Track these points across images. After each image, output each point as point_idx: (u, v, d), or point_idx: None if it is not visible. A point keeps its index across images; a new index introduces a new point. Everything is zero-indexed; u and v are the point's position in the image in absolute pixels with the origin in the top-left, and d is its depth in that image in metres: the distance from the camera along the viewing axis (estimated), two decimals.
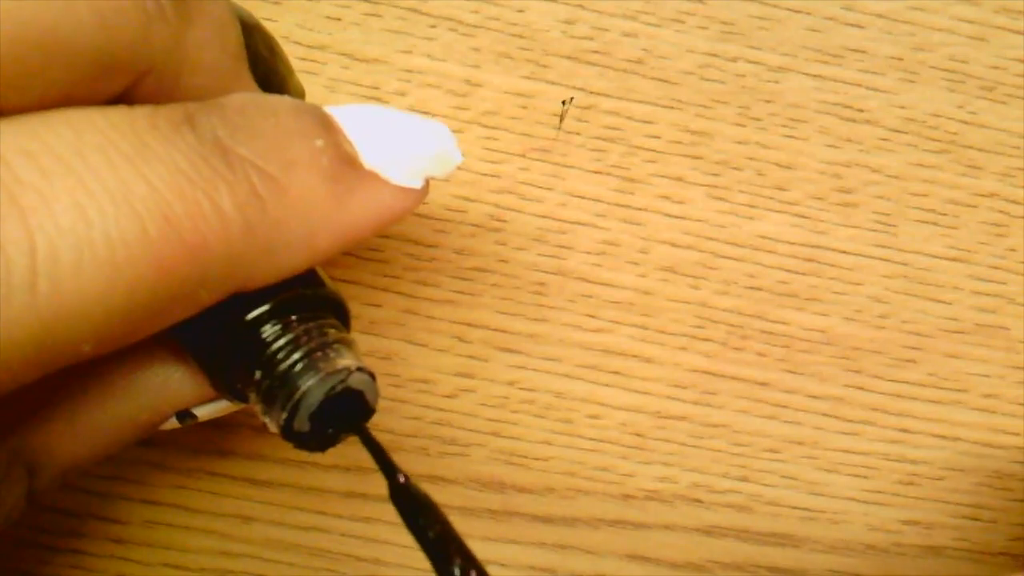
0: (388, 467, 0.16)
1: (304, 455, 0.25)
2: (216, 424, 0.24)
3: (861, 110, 0.25)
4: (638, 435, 0.25)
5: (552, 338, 0.25)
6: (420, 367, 0.25)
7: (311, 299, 0.16)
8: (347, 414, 0.16)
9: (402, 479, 0.16)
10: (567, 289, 0.25)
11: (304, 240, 0.15)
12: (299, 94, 0.19)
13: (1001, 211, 0.25)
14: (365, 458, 0.25)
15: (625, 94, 0.24)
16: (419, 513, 0.16)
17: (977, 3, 0.25)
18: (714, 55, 0.25)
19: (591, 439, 0.25)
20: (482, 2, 0.24)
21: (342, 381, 0.15)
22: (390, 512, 0.25)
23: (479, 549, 0.25)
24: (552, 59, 0.24)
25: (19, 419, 0.17)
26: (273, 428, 0.16)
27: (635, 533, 0.25)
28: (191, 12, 0.15)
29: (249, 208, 0.14)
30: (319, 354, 0.15)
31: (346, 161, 0.16)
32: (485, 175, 0.24)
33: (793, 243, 0.25)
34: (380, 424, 0.25)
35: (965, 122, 0.25)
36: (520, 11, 0.24)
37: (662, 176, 0.25)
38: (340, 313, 0.17)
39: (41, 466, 0.18)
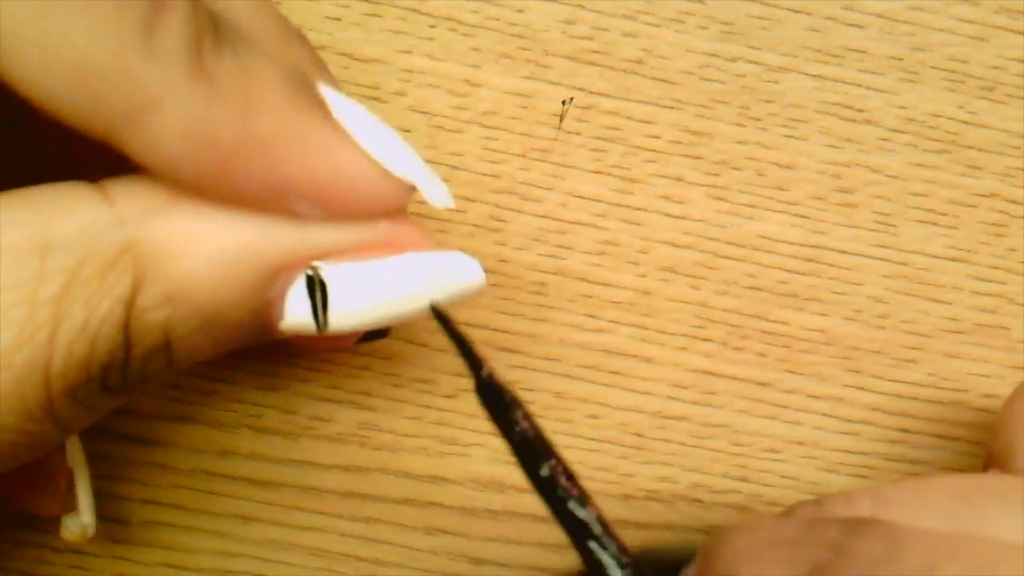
0: (473, 360, 0.15)
1: (304, 455, 0.25)
2: (216, 424, 0.24)
3: (861, 110, 0.25)
4: (638, 435, 0.25)
5: (552, 338, 0.25)
6: (420, 367, 0.25)
7: None
8: None
9: (486, 373, 0.14)
10: (567, 289, 0.25)
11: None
12: None
13: (1001, 211, 0.25)
14: (365, 458, 0.25)
15: (625, 94, 0.24)
16: (505, 410, 0.14)
17: (977, 3, 0.25)
18: (714, 55, 0.25)
19: (591, 439, 0.25)
20: (482, 2, 0.24)
21: None
22: (390, 512, 0.25)
23: (479, 549, 0.25)
24: (552, 59, 0.24)
25: None
26: None
27: (635, 533, 0.25)
28: None
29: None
30: None
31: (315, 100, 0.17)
32: (485, 175, 0.24)
33: (793, 243, 0.25)
34: (381, 424, 0.25)
35: (965, 122, 0.25)
36: (520, 11, 0.24)
37: (662, 176, 0.25)
38: None
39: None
